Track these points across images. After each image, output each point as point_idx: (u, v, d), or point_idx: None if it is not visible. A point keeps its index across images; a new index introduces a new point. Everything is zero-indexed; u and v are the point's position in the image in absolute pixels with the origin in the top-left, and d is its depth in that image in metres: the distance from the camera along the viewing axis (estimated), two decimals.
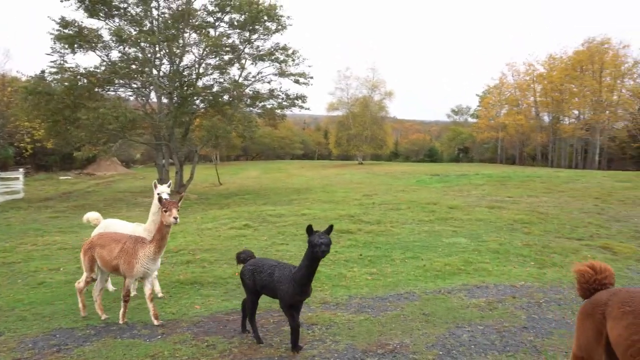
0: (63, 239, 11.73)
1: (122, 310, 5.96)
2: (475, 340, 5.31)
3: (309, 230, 4.88)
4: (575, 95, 56.25)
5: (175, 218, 5.61)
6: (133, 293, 6.91)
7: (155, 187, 6.87)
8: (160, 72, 24.11)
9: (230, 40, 23.96)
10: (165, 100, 24.57)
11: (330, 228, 4.95)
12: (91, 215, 7.62)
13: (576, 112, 58.32)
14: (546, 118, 63.60)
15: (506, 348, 5.10)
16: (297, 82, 25.43)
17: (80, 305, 6.23)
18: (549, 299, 6.72)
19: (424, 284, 7.51)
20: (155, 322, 5.85)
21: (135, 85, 24.45)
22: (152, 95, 24.56)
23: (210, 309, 6.47)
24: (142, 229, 6.92)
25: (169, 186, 7.07)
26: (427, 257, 9.06)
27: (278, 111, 26.40)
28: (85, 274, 6.22)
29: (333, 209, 15.02)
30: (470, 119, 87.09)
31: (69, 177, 37.24)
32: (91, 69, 22.31)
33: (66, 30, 21.19)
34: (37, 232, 12.93)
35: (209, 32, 23.68)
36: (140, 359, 4.92)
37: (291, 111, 26.86)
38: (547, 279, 7.76)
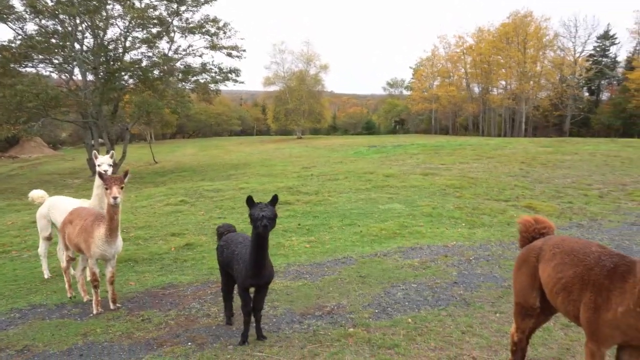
0: None
1: (94, 298, 5.40)
2: (409, 297, 5.51)
3: (249, 201, 4.21)
4: (502, 66, 58.75)
5: (115, 198, 4.93)
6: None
7: (96, 157, 6.27)
8: (84, 46, 22.77)
9: (157, 12, 22.92)
10: (90, 77, 23.26)
11: (275, 199, 4.29)
12: (35, 194, 6.92)
13: (503, 82, 60.98)
14: (476, 89, 66.08)
15: (438, 302, 5.33)
16: (229, 55, 24.86)
17: (66, 285, 5.86)
18: (478, 256, 7.06)
19: (360, 248, 7.67)
20: (112, 306, 5.48)
21: (56, 61, 22.92)
22: (76, 71, 23.20)
23: (145, 284, 6.31)
24: (87, 205, 6.34)
25: (111, 157, 6.38)
26: (363, 224, 9.24)
27: (212, 86, 25.71)
28: (64, 253, 5.88)
29: (271, 182, 14.96)
30: (405, 92, 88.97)
31: None
32: (4, 43, 20.70)
33: None
34: None
35: (133, 4, 22.49)
36: (70, 338, 4.74)
37: (225, 85, 26.26)
38: (477, 238, 8.15)
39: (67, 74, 23.51)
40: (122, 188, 5.05)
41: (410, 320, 4.86)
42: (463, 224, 9.20)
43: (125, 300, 5.74)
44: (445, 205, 10.66)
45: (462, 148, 24.28)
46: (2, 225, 10.66)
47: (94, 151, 6.83)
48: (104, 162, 6.17)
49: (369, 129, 75.96)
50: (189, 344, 4.51)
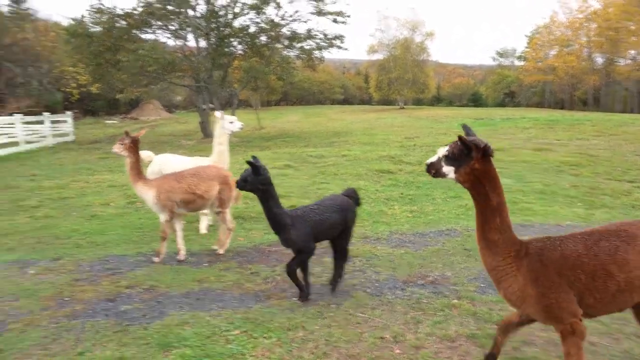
0: (112, 177, 12.16)
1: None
2: None
3: (251, 164, 4.46)
4: (632, 34, 52.53)
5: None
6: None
7: (222, 117, 6.86)
8: (197, 12, 23.85)
9: None
10: (203, 43, 24.40)
11: (251, 164, 4.44)
12: (142, 154, 7.51)
13: (633, 52, 54.71)
14: (599, 59, 60.07)
15: None
16: (335, 21, 24.63)
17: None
18: None
19: (465, 222, 7.45)
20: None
21: (172, 27, 24.29)
22: (190, 37, 24.42)
23: (253, 240, 6.65)
24: (208, 161, 6.87)
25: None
26: (469, 197, 8.89)
27: (316, 52, 25.80)
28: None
29: (373, 150, 14.90)
30: (516, 62, 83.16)
31: (115, 121, 38.22)
32: (128, 10, 22.30)
33: None
34: (88, 171, 13.45)
35: None
36: (188, 282, 5.16)
37: (329, 52, 26.12)
38: (596, 220, 7.54)
39: (182, 40, 24.82)
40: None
41: None
42: (579, 204, 8.56)
43: (236, 254, 6.10)
44: (560, 183, 9.99)
45: (581, 123, 22.42)
46: (127, 180, 11.71)
47: (220, 111, 7.31)
48: (234, 120, 7.04)
49: (476, 101, 72.44)
50: (294, 299, 4.70)
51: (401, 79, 55.91)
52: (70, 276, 5.36)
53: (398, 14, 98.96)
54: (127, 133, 5.89)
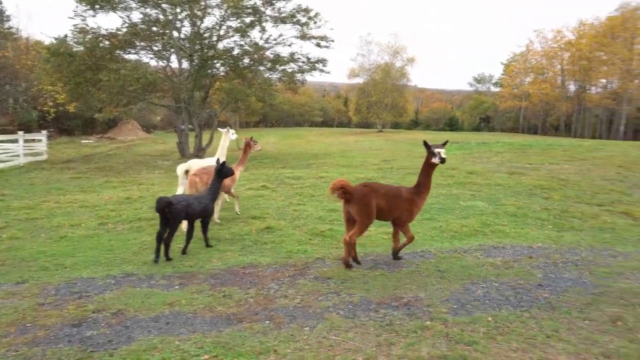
0: (84, 197, 11.94)
1: None
2: (489, 295, 5.31)
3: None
4: (604, 63, 54.47)
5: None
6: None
7: (228, 131, 10.93)
8: (181, 34, 23.91)
9: (252, 2, 23.51)
10: (185, 64, 24.43)
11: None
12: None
13: (604, 81, 56.64)
14: (572, 87, 61.93)
15: (520, 304, 5.09)
16: (318, 45, 24.94)
17: None
18: (566, 260, 6.65)
19: (439, 243, 7.49)
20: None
21: (156, 48, 24.29)
22: (173, 58, 24.42)
23: (227, 262, 6.55)
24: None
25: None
26: (444, 219, 9.01)
27: (299, 75, 26.03)
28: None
29: (351, 172, 14.98)
30: (492, 88, 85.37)
31: (91, 141, 37.70)
32: (112, 31, 22.24)
33: None
34: (59, 191, 13.17)
35: None
36: (158, 306, 5.04)
37: (312, 75, 26.36)
38: (565, 242, 7.67)
39: (165, 61, 24.80)
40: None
41: (490, 318, 4.68)
42: (550, 226, 8.69)
43: (209, 276, 6.00)
44: (532, 206, 10.14)
45: (553, 148, 22.92)
46: (100, 200, 11.52)
47: (227, 127, 11.27)
48: (234, 132, 11.45)
49: (452, 125, 73.74)
50: (267, 322, 4.64)
51: (380, 103, 56.76)
52: (34, 300, 5.19)
53: (380, 39, 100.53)
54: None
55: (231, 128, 11.15)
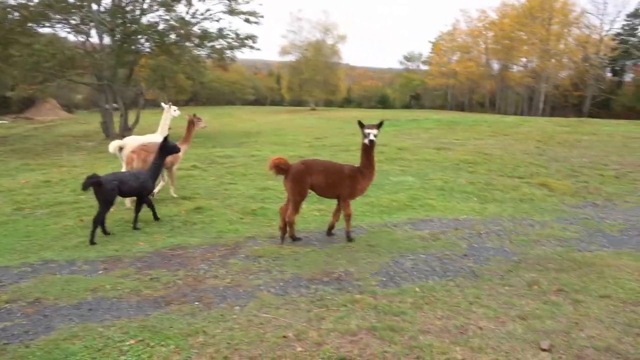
0: None
1: None
2: (417, 267, 5.49)
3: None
4: (524, 43, 57.17)
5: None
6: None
7: (170, 107, 10.48)
8: (101, 7, 22.45)
9: None
10: (107, 39, 23.03)
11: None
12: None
13: (524, 59, 59.54)
14: (495, 66, 64.69)
15: (446, 273, 5.31)
16: (247, 21, 24.34)
17: None
18: (489, 230, 7.00)
19: (370, 218, 7.65)
20: None
21: (73, 22, 22.67)
22: (93, 32, 22.94)
23: (154, 245, 6.34)
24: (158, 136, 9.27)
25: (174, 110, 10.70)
26: (374, 195, 9.19)
27: (228, 52, 25.34)
28: None
29: (283, 151, 14.89)
30: (422, 66, 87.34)
31: (5, 122, 35.05)
32: (22, 1, 20.50)
33: None
34: None
35: None
36: (80, 292, 4.80)
37: (242, 52, 25.75)
38: (489, 213, 8.07)
39: (84, 35, 23.26)
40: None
41: (417, 289, 4.84)
42: (475, 199, 9.11)
43: (135, 259, 5.79)
44: (458, 180, 10.56)
45: (478, 124, 23.93)
46: (17, 184, 10.77)
47: (169, 103, 10.70)
48: (176, 109, 10.84)
49: (384, 103, 74.92)
50: (196, 303, 4.55)
51: (312, 81, 56.58)
52: None
53: (311, 16, 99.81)
54: None
55: (166, 105, 10.69)
